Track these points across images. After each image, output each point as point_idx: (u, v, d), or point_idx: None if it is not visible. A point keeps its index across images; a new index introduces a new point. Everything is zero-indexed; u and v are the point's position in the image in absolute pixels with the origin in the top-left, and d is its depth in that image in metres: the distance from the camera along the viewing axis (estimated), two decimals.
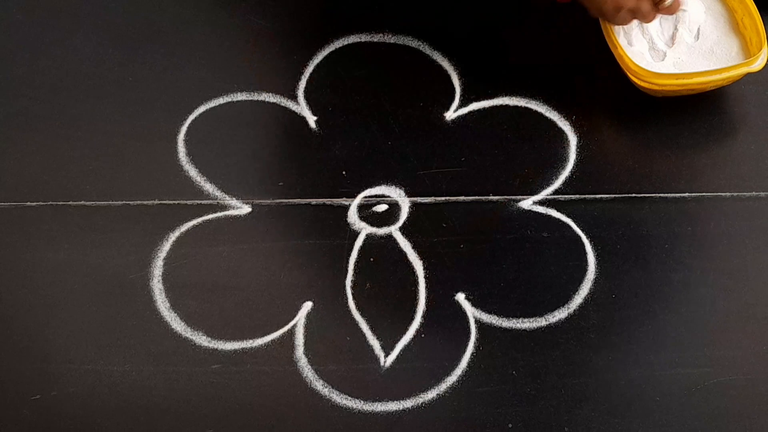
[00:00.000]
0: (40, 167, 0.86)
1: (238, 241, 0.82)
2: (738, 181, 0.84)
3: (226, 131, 0.88)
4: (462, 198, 0.84)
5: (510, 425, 0.74)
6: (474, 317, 0.79)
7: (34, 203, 0.85)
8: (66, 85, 0.90)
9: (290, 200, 0.84)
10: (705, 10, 0.89)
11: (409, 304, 0.79)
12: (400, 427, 0.74)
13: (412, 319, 0.79)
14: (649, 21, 0.85)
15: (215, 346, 0.78)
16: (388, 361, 0.77)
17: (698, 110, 0.88)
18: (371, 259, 0.82)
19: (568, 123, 0.88)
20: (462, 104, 0.89)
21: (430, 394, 0.75)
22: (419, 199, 0.84)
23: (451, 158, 0.86)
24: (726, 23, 0.89)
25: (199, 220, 0.83)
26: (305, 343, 0.78)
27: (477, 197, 0.84)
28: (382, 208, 0.84)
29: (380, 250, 0.82)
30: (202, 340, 0.78)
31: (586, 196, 0.84)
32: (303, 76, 0.90)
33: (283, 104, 0.89)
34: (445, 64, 0.91)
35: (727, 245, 0.82)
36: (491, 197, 0.84)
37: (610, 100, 0.89)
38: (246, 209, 0.84)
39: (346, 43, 0.92)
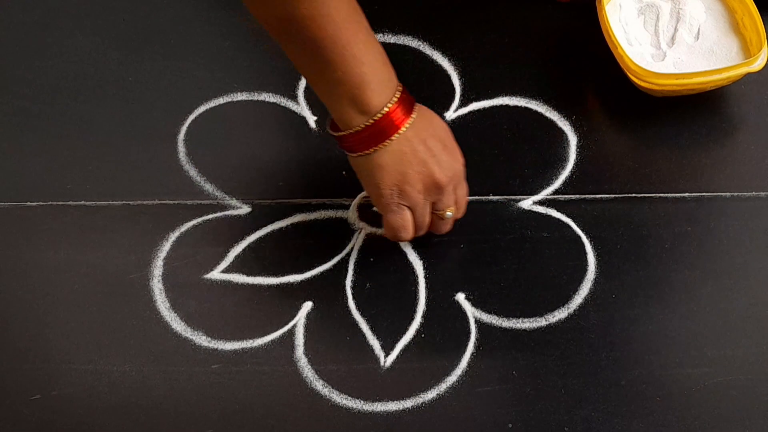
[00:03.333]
0: (40, 167, 0.86)
1: (238, 241, 0.82)
2: (738, 181, 0.84)
3: (226, 131, 0.88)
4: None
5: (510, 425, 0.74)
6: (474, 317, 0.79)
7: (34, 203, 0.85)
8: (66, 85, 0.90)
9: (290, 200, 0.84)
10: (705, 10, 0.89)
11: (409, 304, 0.79)
12: (400, 427, 0.74)
13: (412, 319, 0.79)
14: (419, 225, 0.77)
15: (215, 346, 0.78)
16: (388, 361, 0.77)
17: (698, 110, 0.88)
18: (371, 259, 0.82)
19: (568, 123, 0.88)
20: (462, 104, 0.89)
21: (430, 394, 0.75)
22: None
23: None
24: (726, 23, 0.89)
25: (199, 220, 0.83)
26: (305, 343, 0.78)
27: (477, 197, 0.84)
28: None
29: (380, 250, 0.82)
30: (202, 340, 0.78)
31: (586, 196, 0.84)
32: (303, 76, 0.90)
33: (283, 104, 0.89)
34: (445, 64, 0.91)
35: (727, 245, 0.82)
36: (491, 197, 0.84)
37: (610, 100, 0.89)
38: (246, 209, 0.84)
39: None
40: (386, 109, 0.72)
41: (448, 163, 0.75)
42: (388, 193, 0.74)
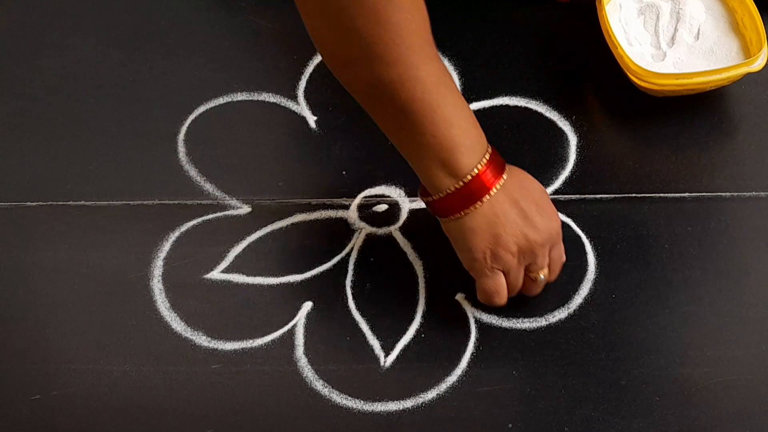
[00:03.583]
0: (40, 167, 0.86)
1: (238, 241, 0.82)
2: (738, 181, 0.84)
3: (226, 131, 0.88)
4: None
5: (510, 425, 0.74)
6: (474, 317, 0.79)
7: (34, 203, 0.85)
8: (66, 85, 0.90)
9: (290, 200, 0.84)
10: (705, 10, 0.89)
11: (409, 304, 0.79)
12: (400, 427, 0.74)
13: (412, 319, 0.79)
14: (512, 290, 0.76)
15: (215, 346, 0.78)
16: (388, 361, 0.77)
17: (698, 110, 0.88)
18: (371, 259, 0.82)
19: (568, 123, 0.88)
20: None
21: (430, 394, 0.75)
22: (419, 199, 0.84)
23: None
24: (726, 23, 0.89)
25: (199, 220, 0.83)
26: (305, 343, 0.78)
27: None
28: (382, 208, 0.84)
29: (380, 250, 0.82)
30: (202, 340, 0.78)
31: (586, 196, 0.84)
32: (303, 76, 0.90)
33: (283, 104, 0.89)
34: (445, 64, 0.90)
35: (727, 245, 0.82)
36: None
37: (610, 100, 0.89)
38: (246, 209, 0.84)
39: None
40: (476, 170, 0.70)
41: (542, 224, 0.73)
42: (481, 257, 0.73)
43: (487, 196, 0.71)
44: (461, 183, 0.71)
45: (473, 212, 0.72)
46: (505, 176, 0.72)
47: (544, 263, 0.75)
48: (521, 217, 0.72)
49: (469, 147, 0.70)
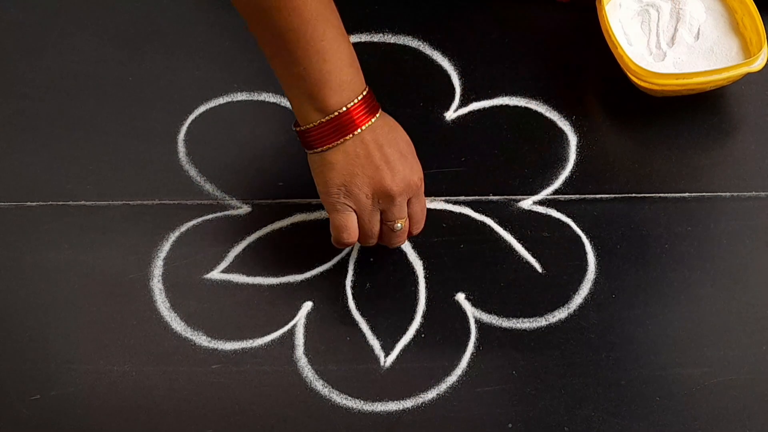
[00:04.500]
0: (40, 167, 0.86)
1: (238, 241, 0.82)
2: (738, 181, 0.84)
3: (226, 131, 0.88)
4: (462, 198, 0.84)
5: (510, 425, 0.74)
6: (474, 317, 0.79)
7: (34, 203, 0.85)
8: (66, 85, 0.90)
9: (290, 200, 0.84)
10: (705, 10, 0.89)
11: (409, 304, 0.79)
12: (400, 427, 0.74)
13: (412, 319, 0.79)
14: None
15: (215, 346, 0.78)
16: (388, 361, 0.77)
17: (698, 110, 0.88)
18: (371, 259, 0.82)
19: (568, 123, 0.88)
20: (462, 104, 0.89)
21: (430, 394, 0.75)
22: None
23: (451, 158, 0.86)
24: (726, 23, 0.89)
25: (199, 220, 0.83)
26: (305, 343, 0.78)
27: (477, 197, 0.84)
28: None
29: (380, 250, 0.82)
30: (202, 340, 0.78)
31: (586, 196, 0.84)
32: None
33: (283, 104, 0.89)
34: (445, 64, 0.91)
35: (727, 245, 0.82)
36: (491, 197, 0.84)
37: (610, 100, 0.89)
38: (246, 209, 0.84)
39: None
40: (344, 109, 0.71)
41: (402, 173, 0.73)
42: (334, 192, 0.73)
43: (351, 135, 0.72)
44: (327, 118, 0.71)
45: (335, 148, 0.72)
46: (374, 120, 0.73)
47: (400, 213, 0.75)
48: (382, 162, 0.73)
49: (340, 85, 0.71)
